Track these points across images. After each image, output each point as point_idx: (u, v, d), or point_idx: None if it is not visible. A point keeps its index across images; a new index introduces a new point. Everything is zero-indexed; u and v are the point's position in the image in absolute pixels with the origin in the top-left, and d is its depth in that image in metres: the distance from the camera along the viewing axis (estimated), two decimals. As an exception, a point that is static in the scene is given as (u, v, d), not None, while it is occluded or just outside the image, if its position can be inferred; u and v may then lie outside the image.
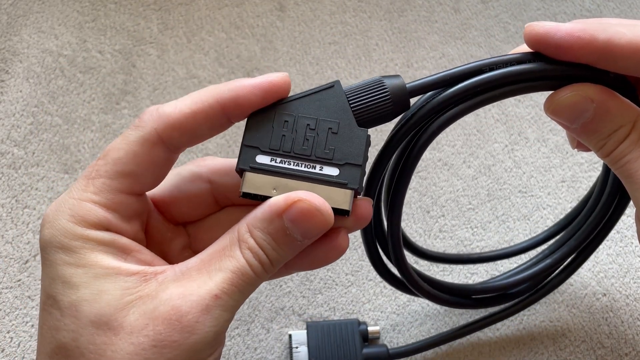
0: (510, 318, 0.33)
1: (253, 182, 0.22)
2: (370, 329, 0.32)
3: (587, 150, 0.25)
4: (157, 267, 0.22)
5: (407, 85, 0.23)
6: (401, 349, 0.32)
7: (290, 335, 0.32)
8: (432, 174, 0.39)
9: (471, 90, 0.23)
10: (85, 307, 0.21)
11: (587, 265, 0.36)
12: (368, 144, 0.23)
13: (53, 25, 0.45)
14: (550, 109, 0.23)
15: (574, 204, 0.38)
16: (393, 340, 0.33)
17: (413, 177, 0.39)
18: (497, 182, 0.38)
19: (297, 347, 0.30)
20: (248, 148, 0.23)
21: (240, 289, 0.22)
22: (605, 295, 0.35)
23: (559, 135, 0.40)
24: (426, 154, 0.39)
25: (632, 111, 0.23)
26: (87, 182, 0.23)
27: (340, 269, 0.35)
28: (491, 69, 0.23)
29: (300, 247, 0.23)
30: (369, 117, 0.23)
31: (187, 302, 0.21)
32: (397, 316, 0.34)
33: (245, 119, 0.24)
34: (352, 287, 0.35)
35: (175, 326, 0.21)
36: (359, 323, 0.32)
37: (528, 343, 0.33)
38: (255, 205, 0.22)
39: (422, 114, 0.23)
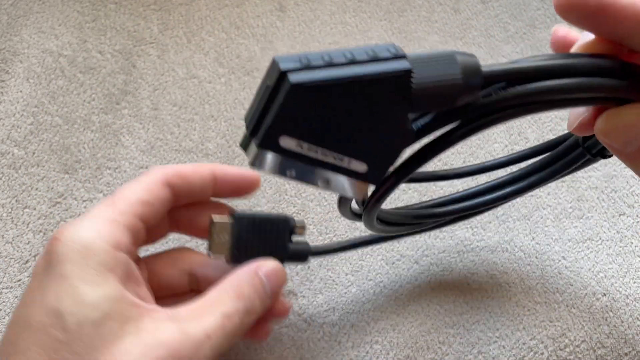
0: (511, 318, 0.33)
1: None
2: (297, 224, 0.30)
3: (586, 134, 0.23)
4: (149, 305, 0.24)
5: (482, 69, 0.19)
6: (323, 247, 0.31)
7: (214, 223, 0.28)
8: (432, 174, 0.39)
9: (549, 93, 0.20)
10: (90, 330, 0.21)
11: (587, 265, 0.36)
12: None
13: (53, 26, 0.45)
14: (604, 130, 0.21)
15: (574, 203, 0.38)
16: (393, 341, 0.33)
17: (413, 177, 0.39)
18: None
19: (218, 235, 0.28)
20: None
21: (227, 334, 0.24)
22: (605, 295, 0.35)
23: (559, 135, 0.40)
24: (426, 154, 0.40)
25: None
26: (112, 205, 0.25)
27: (340, 269, 0.35)
28: (576, 72, 0.20)
29: (266, 304, 0.26)
30: (428, 96, 0.19)
31: (182, 337, 0.22)
32: (397, 316, 0.34)
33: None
34: (352, 287, 0.35)
35: (169, 357, 0.22)
36: (288, 219, 0.29)
37: (528, 343, 0.33)
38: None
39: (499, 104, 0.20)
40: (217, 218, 0.28)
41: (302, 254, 0.29)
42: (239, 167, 0.29)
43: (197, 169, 0.28)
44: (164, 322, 0.23)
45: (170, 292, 0.29)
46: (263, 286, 0.26)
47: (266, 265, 0.27)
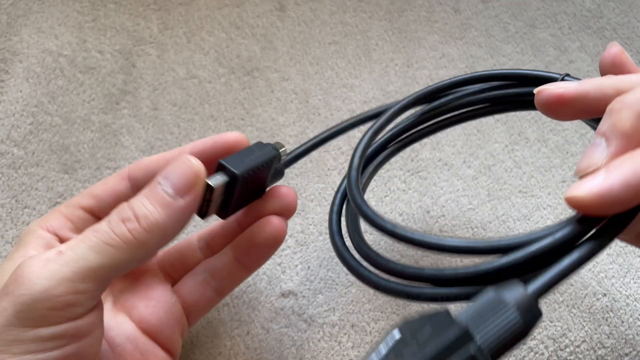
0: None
1: None
2: (281, 152, 0.29)
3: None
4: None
5: (529, 292, 0.18)
6: (291, 155, 0.30)
7: (213, 189, 0.25)
8: (432, 174, 0.39)
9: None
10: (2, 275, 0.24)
11: (587, 265, 0.36)
12: None
13: (53, 25, 0.45)
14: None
15: (574, 204, 0.38)
16: (393, 341, 0.33)
17: (413, 177, 0.39)
18: (497, 182, 0.38)
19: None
20: None
21: (92, 246, 0.22)
22: (605, 295, 0.35)
23: (559, 135, 0.40)
24: (426, 154, 0.39)
25: None
26: (71, 198, 0.28)
27: (340, 268, 0.35)
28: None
29: (175, 206, 0.23)
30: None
31: (31, 259, 0.22)
32: (397, 316, 0.34)
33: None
34: (352, 287, 0.35)
35: (12, 279, 0.21)
36: (277, 155, 0.28)
37: (528, 343, 0.33)
38: None
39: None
40: (213, 180, 0.24)
41: (279, 174, 0.29)
42: (213, 136, 0.27)
43: (162, 157, 0.27)
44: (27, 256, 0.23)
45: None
46: (158, 187, 0.23)
47: (170, 165, 0.24)
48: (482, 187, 0.38)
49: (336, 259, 0.35)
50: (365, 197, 0.38)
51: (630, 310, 0.34)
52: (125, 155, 0.39)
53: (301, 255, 0.36)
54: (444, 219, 0.37)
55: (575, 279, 0.35)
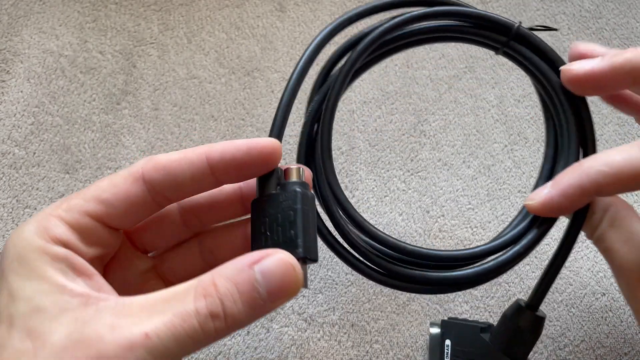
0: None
1: None
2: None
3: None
4: (102, 294, 0.21)
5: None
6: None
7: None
8: (432, 174, 0.39)
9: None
10: (20, 322, 0.20)
11: (586, 265, 0.36)
12: None
13: (54, 26, 0.45)
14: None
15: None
16: (392, 340, 0.33)
17: (412, 176, 0.39)
18: (497, 182, 0.39)
19: None
20: None
21: (177, 337, 0.20)
22: (604, 294, 0.35)
23: (558, 135, 0.40)
24: (426, 154, 0.40)
25: None
26: (62, 201, 0.23)
27: (340, 268, 0.35)
28: None
29: (261, 310, 0.21)
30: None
31: (112, 335, 0.19)
32: (396, 315, 0.34)
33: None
34: (352, 286, 0.35)
35: (92, 356, 0.19)
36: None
37: (527, 342, 0.33)
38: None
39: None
40: (306, 281, 0.22)
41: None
42: (240, 140, 0.24)
43: (184, 157, 0.23)
44: (104, 314, 0.20)
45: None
46: (253, 285, 0.20)
47: (268, 260, 0.21)
48: (481, 187, 0.38)
49: (336, 259, 0.36)
50: (365, 197, 0.38)
51: (629, 309, 0.34)
52: (126, 155, 0.39)
53: (301, 254, 0.36)
54: (443, 219, 0.37)
55: (574, 278, 0.35)
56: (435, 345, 0.30)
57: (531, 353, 0.33)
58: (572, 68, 0.26)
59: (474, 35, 0.28)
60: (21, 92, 0.42)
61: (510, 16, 0.47)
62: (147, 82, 0.43)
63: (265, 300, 0.21)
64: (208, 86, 0.42)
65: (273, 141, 0.23)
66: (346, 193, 0.38)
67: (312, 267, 0.35)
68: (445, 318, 0.31)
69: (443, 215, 0.37)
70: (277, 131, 0.24)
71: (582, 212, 0.27)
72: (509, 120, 0.41)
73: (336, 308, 0.34)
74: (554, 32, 0.45)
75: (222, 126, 0.41)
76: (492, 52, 0.45)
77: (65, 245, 0.22)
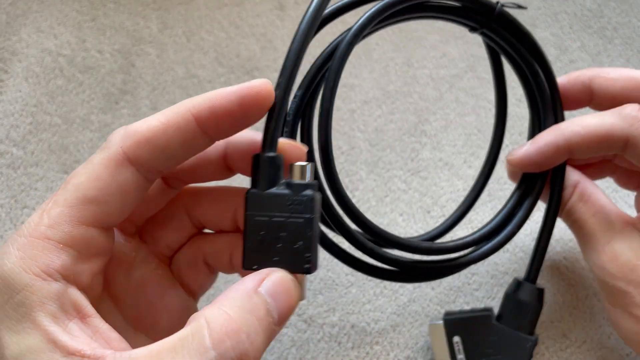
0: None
1: None
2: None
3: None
4: (97, 350, 0.18)
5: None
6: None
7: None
8: (433, 174, 0.39)
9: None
10: None
11: (588, 265, 0.35)
12: None
13: (52, 25, 0.45)
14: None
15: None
16: (393, 342, 0.33)
17: (413, 176, 0.39)
18: (498, 182, 0.38)
19: None
20: None
21: None
22: (606, 295, 0.35)
23: (559, 135, 0.40)
24: (427, 154, 0.39)
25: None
26: (41, 215, 0.19)
27: (340, 269, 0.35)
28: None
29: (273, 335, 0.19)
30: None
31: None
32: (397, 317, 0.34)
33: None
34: (352, 287, 0.35)
35: None
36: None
37: (529, 344, 0.33)
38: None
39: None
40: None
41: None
42: (229, 87, 0.21)
43: (167, 122, 0.20)
44: None
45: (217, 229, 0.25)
46: (267, 311, 0.19)
47: (272, 281, 0.19)
48: (482, 187, 0.38)
49: (336, 259, 0.35)
50: (365, 197, 0.38)
51: (631, 310, 0.34)
52: (124, 155, 0.39)
53: (301, 255, 0.36)
54: (444, 219, 0.37)
55: (575, 279, 0.35)
56: (442, 346, 0.30)
57: (534, 355, 0.33)
58: (508, 158, 0.30)
59: (453, 14, 0.28)
60: (19, 91, 0.41)
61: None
62: (145, 81, 0.42)
63: (276, 324, 0.19)
64: (207, 85, 0.42)
65: (266, 82, 0.21)
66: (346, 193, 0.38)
67: (312, 268, 0.35)
68: (440, 317, 0.31)
69: (444, 216, 0.37)
70: (287, 78, 0.22)
71: (560, 173, 0.30)
72: (510, 120, 0.41)
73: (336, 309, 0.34)
74: (556, 31, 0.45)
75: (221, 126, 0.41)
76: (493, 51, 0.45)
77: (60, 273, 0.19)
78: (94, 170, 0.20)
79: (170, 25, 0.45)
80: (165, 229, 0.25)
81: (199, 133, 0.21)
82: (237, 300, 0.18)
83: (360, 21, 0.27)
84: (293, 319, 0.33)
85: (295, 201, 0.20)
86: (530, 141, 0.29)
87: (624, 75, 0.28)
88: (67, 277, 0.19)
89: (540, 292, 0.30)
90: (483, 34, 0.29)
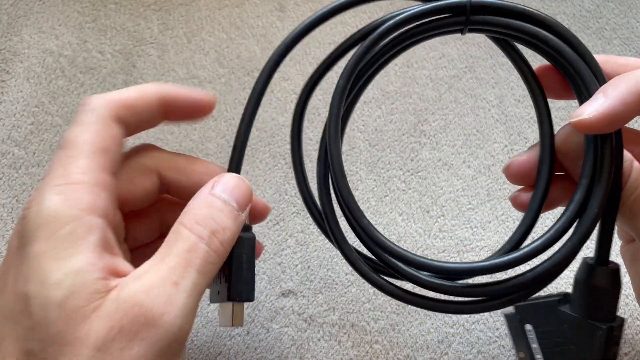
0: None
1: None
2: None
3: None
4: (124, 269, 0.21)
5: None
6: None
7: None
8: (432, 174, 0.39)
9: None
10: (54, 312, 0.19)
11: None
12: None
13: (53, 26, 0.45)
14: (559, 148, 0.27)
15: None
16: (393, 341, 0.33)
17: (412, 176, 0.39)
18: (497, 182, 0.38)
19: None
20: None
21: (199, 269, 0.21)
22: (604, 295, 0.35)
23: (558, 135, 0.40)
24: (426, 154, 0.40)
25: None
26: (65, 167, 0.21)
27: (340, 268, 0.35)
28: None
29: (240, 220, 0.24)
30: None
31: (148, 296, 0.20)
32: (397, 316, 0.34)
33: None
34: (352, 286, 0.35)
35: (141, 322, 0.20)
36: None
37: (527, 343, 0.33)
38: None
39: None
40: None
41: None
42: (189, 88, 0.26)
43: (142, 95, 0.24)
44: (127, 285, 0.20)
45: (140, 204, 0.26)
46: (224, 202, 0.23)
47: (221, 182, 0.24)
48: (481, 187, 0.38)
49: (336, 259, 0.36)
50: (365, 197, 0.38)
51: (629, 310, 0.34)
52: (125, 155, 0.39)
53: (301, 255, 0.36)
54: (443, 219, 0.37)
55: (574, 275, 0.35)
56: (517, 333, 0.28)
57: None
58: (578, 119, 0.24)
59: (435, 29, 0.27)
60: (21, 92, 0.42)
61: (511, 16, 0.46)
62: (146, 82, 0.43)
63: (238, 210, 0.23)
64: (208, 86, 0.42)
65: (211, 96, 0.26)
66: (346, 193, 0.38)
67: (311, 268, 0.35)
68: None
69: (443, 215, 0.37)
70: (236, 163, 0.26)
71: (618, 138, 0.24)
72: (509, 120, 0.41)
73: (336, 308, 0.34)
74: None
75: (221, 126, 0.41)
76: (492, 52, 0.45)
77: (101, 211, 0.21)
78: (92, 126, 0.23)
79: (171, 26, 0.45)
80: (139, 225, 0.27)
81: (160, 112, 0.25)
82: (197, 204, 0.23)
83: (339, 84, 0.26)
84: (293, 318, 0.34)
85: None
86: (600, 95, 0.23)
87: (631, 62, 0.26)
88: (106, 216, 0.21)
89: (615, 274, 0.26)
90: (472, 31, 0.28)
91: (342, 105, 0.26)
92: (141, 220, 0.27)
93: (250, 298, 0.24)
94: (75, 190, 0.21)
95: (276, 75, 0.43)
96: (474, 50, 0.44)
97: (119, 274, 0.21)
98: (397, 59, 0.44)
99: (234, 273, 0.24)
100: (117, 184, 0.23)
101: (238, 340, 0.33)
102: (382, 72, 0.43)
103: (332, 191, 0.27)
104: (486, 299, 0.26)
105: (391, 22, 0.26)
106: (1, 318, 0.20)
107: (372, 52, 0.27)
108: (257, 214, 0.28)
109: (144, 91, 0.24)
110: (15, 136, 0.40)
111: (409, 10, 0.26)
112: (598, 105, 0.23)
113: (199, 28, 0.45)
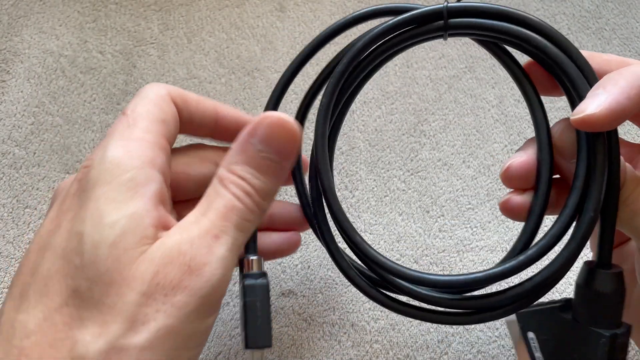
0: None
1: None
2: None
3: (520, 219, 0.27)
4: (171, 220, 0.22)
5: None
6: None
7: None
8: (432, 174, 0.39)
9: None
10: (104, 251, 0.20)
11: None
12: None
13: (54, 26, 0.45)
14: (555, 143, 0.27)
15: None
16: (392, 340, 0.33)
17: (412, 176, 0.39)
18: (497, 182, 0.39)
19: None
20: None
21: (237, 226, 0.22)
22: (604, 294, 0.35)
23: (558, 135, 0.40)
24: (426, 154, 0.40)
25: None
26: (128, 127, 0.23)
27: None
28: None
29: (280, 170, 0.23)
30: None
31: (191, 246, 0.21)
32: (396, 315, 0.34)
33: None
34: (351, 286, 0.35)
35: (185, 270, 0.20)
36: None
37: (527, 342, 0.33)
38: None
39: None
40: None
41: None
42: (242, 111, 0.27)
43: (200, 98, 0.26)
44: (175, 238, 0.21)
45: (193, 191, 0.26)
46: (262, 156, 0.23)
47: (262, 126, 0.23)
48: (481, 187, 0.38)
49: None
50: (365, 197, 0.38)
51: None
52: (126, 155, 0.39)
53: (301, 255, 0.36)
54: (443, 219, 0.37)
55: (575, 278, 0.35)
56: (520, 344, 0.27)
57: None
58: (579, 116, 0.23)
59: (416, 37, 0.27)
60: (21, 92, 0.42)
61: (510, 16, 0.47)
62: (147, 82, 0.43)
63: (278, 159, 0.23)
64: (208, 86, 0.43)
65: (285, 119, 0.25)
66: (346, 193, 0.38)
67: (311, 268, 0.35)
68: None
69: (443, 215, 0.37)
70: None
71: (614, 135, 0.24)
72: (509, 120, 0.41)
73: (336, 308, 0.34)
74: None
75: (222, 126, 0.41)
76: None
77: (159, 169, 0.22)
78: (152, 100, 0.24)
79: (172, 27, 0.45)
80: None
81: (212, 126, 0.27)
82: (237, 155, 0.23)
83: (322, 103, 0.26)
84: (293, 317, 0.34)
85: (242, 289, 0.25)
86: (600, 91, 0.23)
87: (614, 58, 0.26)
88: (164, 174, 0.23)
89: (618, 278, 0.24)
90: (453, 35, 0.27)
91: (327, 124, 0.26)
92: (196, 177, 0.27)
93: (267, 344, 0.25)
94: (137, 145, 0.22)
95: (276, 75, 0.44)
96: (473, 50, 0.44)
97: (167, 228, 0.22)
98: (397, 60, 0.44)
99: (249, 322, 0.24)
100: (173, 167, 0.25)
101: (238, 340, 0.33)
102: (382, 73, 0.43)
103: (326, 210, 0.27)
104: (485, 310, 0.26)
105: (367, 37, 0.26)
106: (52, 256, 0.21)
107: (351, 67, 0.27)
108: (284, 249, 0.29)
109: (202, 98, 0.26)
110: (16, 136, 0.40)
111: (384, 24, 0.26)
112: (601, 100, 0.22)
113: (199, 28, 0.45)
